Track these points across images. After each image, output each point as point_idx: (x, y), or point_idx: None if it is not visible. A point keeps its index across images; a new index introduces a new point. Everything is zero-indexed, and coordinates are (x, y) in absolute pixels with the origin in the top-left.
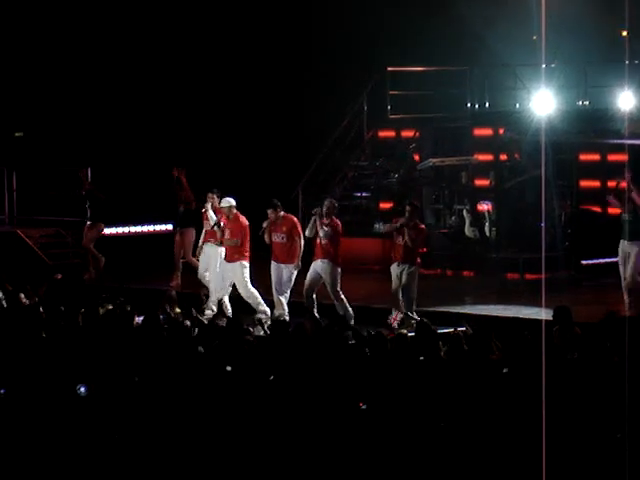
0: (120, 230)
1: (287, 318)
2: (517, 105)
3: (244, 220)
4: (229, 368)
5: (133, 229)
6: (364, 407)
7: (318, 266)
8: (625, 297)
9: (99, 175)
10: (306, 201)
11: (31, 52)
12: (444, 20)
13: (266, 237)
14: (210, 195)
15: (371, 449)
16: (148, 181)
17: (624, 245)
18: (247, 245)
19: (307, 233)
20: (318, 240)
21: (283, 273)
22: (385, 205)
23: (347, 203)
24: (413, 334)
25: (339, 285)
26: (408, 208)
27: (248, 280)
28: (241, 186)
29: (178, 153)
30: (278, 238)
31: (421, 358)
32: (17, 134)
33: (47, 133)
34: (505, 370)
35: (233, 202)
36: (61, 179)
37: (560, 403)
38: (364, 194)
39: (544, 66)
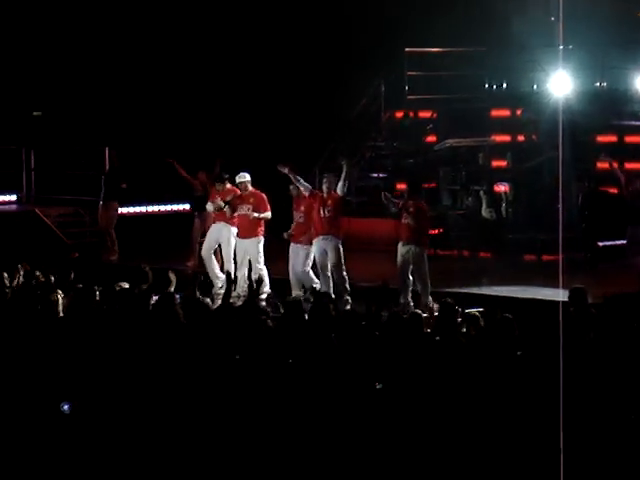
0: (138, 209)
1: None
2: (535, 86)
3: (262, 193)
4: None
5: (151, 208)
6: (379, 387)
7: (321, 242)
8: None
9: (118, 154)
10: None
11: (50, 31)
12: (462, 1)
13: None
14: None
15: (386, 429)
16: (165, 161)
17: None
18: (262, 221)
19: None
20: (321, 215)
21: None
22: (402, 186)
23: (364, 184)
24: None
25: (343, 261)
26: (406, 188)
27: (262, 256)
28: (259, 166)
29: (195, 132)
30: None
31: (437, 338)
32: (35, 113)
33: (65, 112)
34: (519, 353)
35: (248, 177)
36: (79, 158)
37: (577, 384)
38: (381, 175)
39: (561, 47)
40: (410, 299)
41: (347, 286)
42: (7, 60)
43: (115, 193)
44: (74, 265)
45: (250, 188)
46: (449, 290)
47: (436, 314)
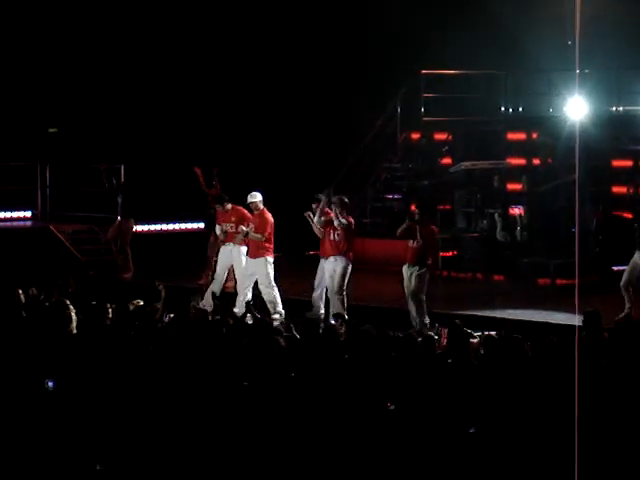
0: (152, 227)
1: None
2: (551, 110)
3: (269, 216)
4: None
5: (164, 227)
6: (392, 408)
7: (330, 262)
8: None
9: (132, 172)
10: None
11: (66, 49)
12: (478, 24)
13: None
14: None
15: (398, 449)
16: (180, 179)
17: None
18: (272, 241)
19: (315, 220)
20: (331, 237)
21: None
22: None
23: (379, 205)
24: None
25: (346, 282)
26: (417, 210)
27: (272, 277)
28: (274, 186)
29: (211, 151)
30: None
31: (449, 360)
32: (51, 130)
33: (81, 129)
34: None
35: (260, 197)
36: (94, 175)
37: (591, 409)
38: (396, 196)
39: (578, 72)
40: (427, 320)
41: (344, 308)
42: (23, 77)
43: (132, 209)
44: (88, 282)
45: (261, 207)
46: (462, 312)
47: (435, 337)
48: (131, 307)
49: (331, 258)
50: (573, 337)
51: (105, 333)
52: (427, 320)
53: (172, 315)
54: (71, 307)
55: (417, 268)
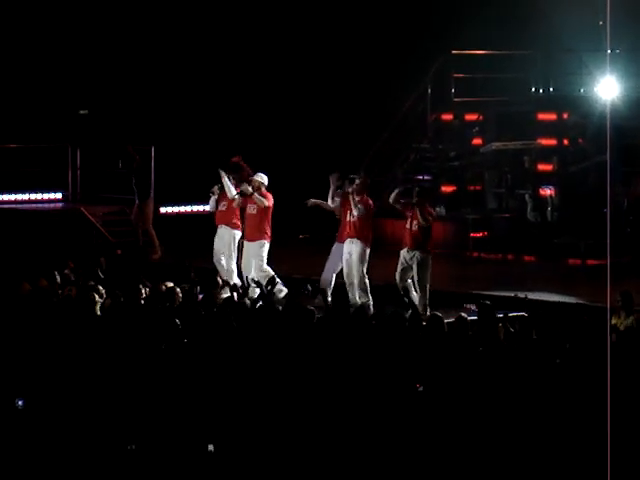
0: (180, 209)
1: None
2: (581, 90)
3: (270, 199)
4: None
5: (193, 208)
6: (421, 389)
7: (347, 246)
8: None
9: (162, 153)
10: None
11: (97, 30)
12: (509, 3)
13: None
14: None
15: (427, 430)
16: (211, 160)
17: None
18: (269, 225)
19: (329, 202)
20: (348, 218)
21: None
22: (447, 189)
23: (409, 186)
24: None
25: (366, 266)
26: (417, 190)
27: (264, 260)
28: (303, 166)
29: (241, 132)
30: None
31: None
32: (82, 112)
33: (112, 111)
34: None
35: (265, 179)
36: (125, 157)
37: (623, 391)
38: (426, 177)
39: (609, 52)
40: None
41: (368, 291)
42: (54, 59)
43: (147, 191)
44: (118, 264)
45: (263, 190)
46: (491, 293)
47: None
48: (163, 289)
49: (347, 240)
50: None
51: (138, 314)
52: (428, 309)
53: (202, 296)
54: (100, 288)
55: (418, 253)
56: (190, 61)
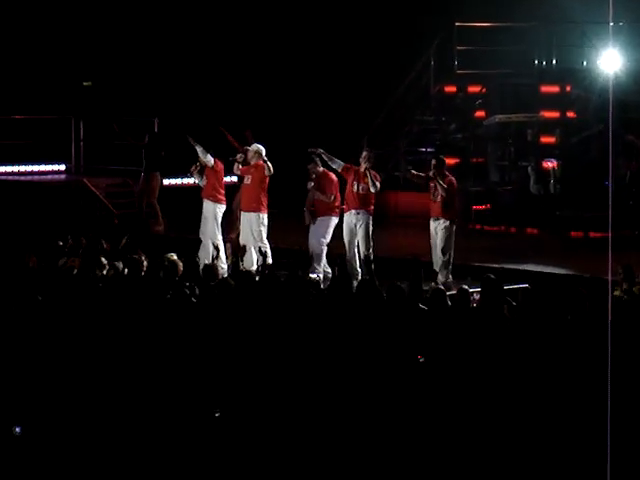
0: (181, 181)
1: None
2: (584, 63)
3: (265, 170)
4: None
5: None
6: (422, 360)
7: (352, 217)
8: None
9: (166, 125)
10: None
11: (101, 1)
12: None
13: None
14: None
15: (428, 402)
16: (213, 132)
17: None
18: (265, 196)
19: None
20: (354, 190)
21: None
22: (450, 161)
23: (411, 158)
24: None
25: (371, 236)
26: (434, 162)
27: (264, 232)
28: (307, 137)
29: (243, 104)
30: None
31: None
32: (85, 83)
33: (115, 83)
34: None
35: (262, 150)
36: (129, 129)
37: (624, 364)
38: (429, 149)
39: (612, 24)
40: (450, 275)
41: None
42: (58, 31)
43: (156, 164)
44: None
45: (260, 161)
46: (495, 266)
47: (453, 292)
48: (165, 261)
49: (353, 211)
50: (606, 290)
51: (140, 285)
52: (450, 277)
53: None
54: (102, 259)
55: (442, 221)
56: (192, 32)
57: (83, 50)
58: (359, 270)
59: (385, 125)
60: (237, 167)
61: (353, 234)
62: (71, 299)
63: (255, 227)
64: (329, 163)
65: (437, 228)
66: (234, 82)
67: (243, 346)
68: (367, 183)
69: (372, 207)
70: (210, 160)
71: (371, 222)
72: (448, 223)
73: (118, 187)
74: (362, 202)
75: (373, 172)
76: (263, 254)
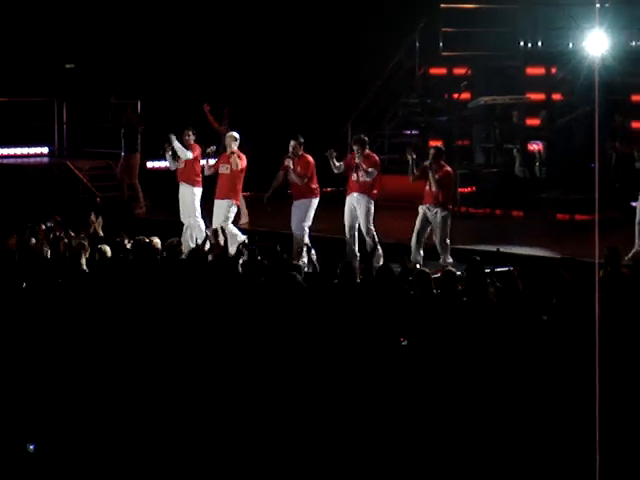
0: (164, 164)
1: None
2: (570, 45)
3: (244, 159)
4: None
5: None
6: (405, 343)
7: (354, 199)
8: None
9: (148, 108)
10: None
11: None
12: None
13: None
14: (185, 132)
15: (411, 385)
16: (196, 115)
17: None
18: (240, 185)
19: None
20: (354, 177)
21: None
22: (434, 143)
23: (397, 141)
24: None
25: (372, 220)
26: (432, 151)
27: (230, 219)
28: (291, 121)
29: (226, 87)
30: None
31: (465, 299)
32: (68, 66)
33: (98, 65)
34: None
35: (237, 137)
36: (111, 111)
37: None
38: (414, 132)
39: (598, 5)
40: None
41: (377, 243)
42: (40, 12)
43: (135, 144)
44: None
45: (234, 148)
46: (480, 248)
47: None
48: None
49: (354, 194)
50: (592, 273)
51: (123, 269)
52: (450, 259)
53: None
54: (85, 243)
55: (439, 210)
56: (176, 14)
57: (65, 32)
58: (357, 254)
59: (370, 108)
60: (208, 167)
61: (353, 216)
62: (55, 285)
63: (223, 212)
64: (334, 168)
65: (434, 216)
66: (217, 65)
67: (228, 332)
68: (360, 172)
69: (374, 191)
70: (190, 155)
71: (372, 206)
72: (445, 213)
73: (101, 170)
74: (362, 188)
75: (365, 161)
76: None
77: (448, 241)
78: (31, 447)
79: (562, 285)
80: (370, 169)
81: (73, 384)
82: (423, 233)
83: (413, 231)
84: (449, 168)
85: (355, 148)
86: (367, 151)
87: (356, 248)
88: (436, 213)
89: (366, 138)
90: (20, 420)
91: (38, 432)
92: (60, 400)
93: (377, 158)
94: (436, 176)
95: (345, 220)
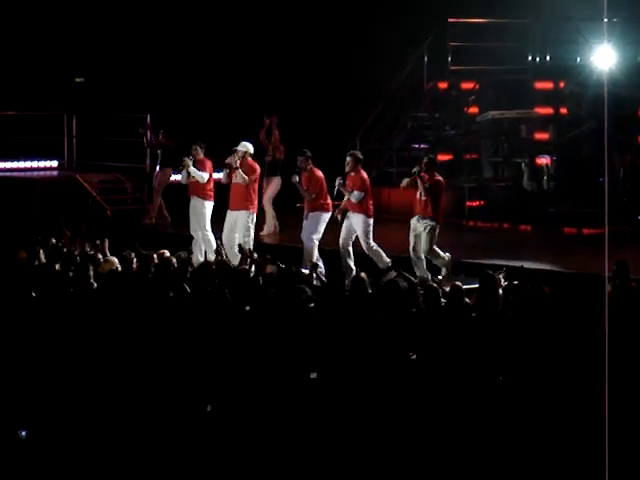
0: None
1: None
2: (578, 59)
3: (257, 168)
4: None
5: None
6: (414, 357)
7: (352, 217)
8: None
9: (159, 121)
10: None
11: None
12: None
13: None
14: (194, 147)
15: (421, 399)
16: (209, 128)
17: None
18: (255, 194)
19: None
20: (345, 198)
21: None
22: (443, 157)
23: (405, 154)
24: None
25: (371, 236)
26: (425, 160)
27: (251, 230)
28: (301, 134)
29: (237, 99)
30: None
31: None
32: (78, 79)
33: (108, 79)
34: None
35: (250, 148)
36: (121, 125)
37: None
38: (422, 145)
39: (606, 20)
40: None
41: (382, 256)
42: (50, 26)
43: (170, 159)
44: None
45: (249, 159)
46: (488, 262)
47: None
48: (155, 257)
49: (350, 213)
50: (601, 287)
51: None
52: (428, 274)
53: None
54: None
55: (427, 220)
56: (185, 28)
57: (75, 46)
58: (353, 268)
59: (378, 122)
60: (226, 176)
61: (350, 231)
62: (65, 296)
63: (242, 224)
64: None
65: (422, 226)
66: (226, 78)
67: (236, 340)
68: (355, 199)
69: (368, 208)
70: (206, 177)
71: (370, 224)
72: (434, 224)
73: (111, 183)
74: (354, 207)
75: (349, 182)
76: (248, 252)
77: (423, 256)
78: (23, 433)
79: (541, 300)
80: (356, 192)
81: (70, 379)
82: (418, 248)
83: (409, 249)
84: (441, 178)
85: (346, 161)
86: (358, 169)
87: (352, 263)
88: (425, 224)
89: (361, 156)
90: (13, 407)
91: (30, 419)
92: (55, 393)
93: (364, 178)
94: (426, 184)
95: (340, 234)
